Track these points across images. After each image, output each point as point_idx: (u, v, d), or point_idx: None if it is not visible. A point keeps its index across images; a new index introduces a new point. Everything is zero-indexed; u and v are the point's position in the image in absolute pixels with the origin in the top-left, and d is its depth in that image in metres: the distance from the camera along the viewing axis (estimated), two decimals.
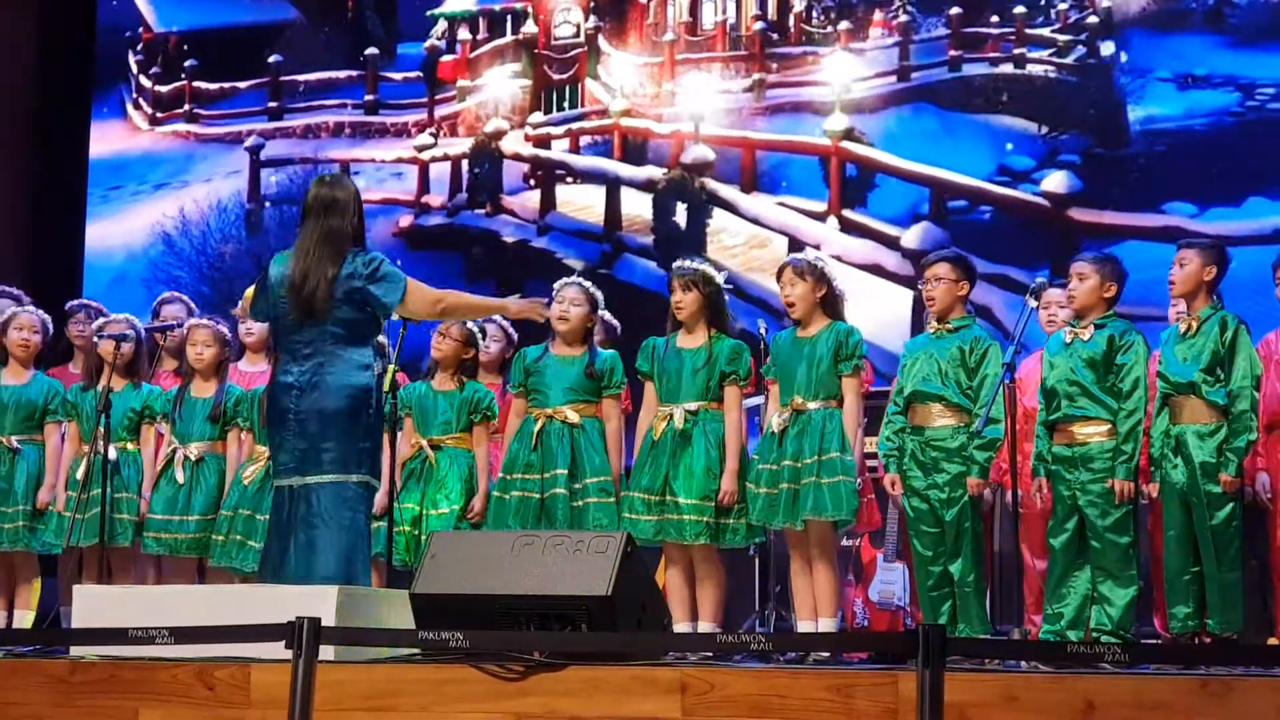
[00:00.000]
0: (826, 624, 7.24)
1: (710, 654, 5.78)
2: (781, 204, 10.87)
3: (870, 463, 7.93)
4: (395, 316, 6.86)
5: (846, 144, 10.83)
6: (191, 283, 11.91)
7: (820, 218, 10.75)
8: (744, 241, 10.95)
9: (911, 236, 10.56)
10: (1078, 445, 7.01)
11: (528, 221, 11.45)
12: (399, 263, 6.81)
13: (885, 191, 10.74)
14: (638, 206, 11.12)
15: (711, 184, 11.02)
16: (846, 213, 10.73)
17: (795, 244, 10.61)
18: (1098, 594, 6.91)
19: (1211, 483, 6.84)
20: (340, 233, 6.62)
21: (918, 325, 8.45)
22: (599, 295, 7.94)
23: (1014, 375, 6.88)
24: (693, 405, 7.48)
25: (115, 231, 12.22)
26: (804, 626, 7.35)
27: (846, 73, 10.93)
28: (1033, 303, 7.04)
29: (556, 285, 7.95)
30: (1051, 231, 10.36)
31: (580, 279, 7.99)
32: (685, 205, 11.00)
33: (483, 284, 11.19)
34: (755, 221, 10.82)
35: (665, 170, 11.12)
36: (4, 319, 8.59)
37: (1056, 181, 10.49)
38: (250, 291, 6.95)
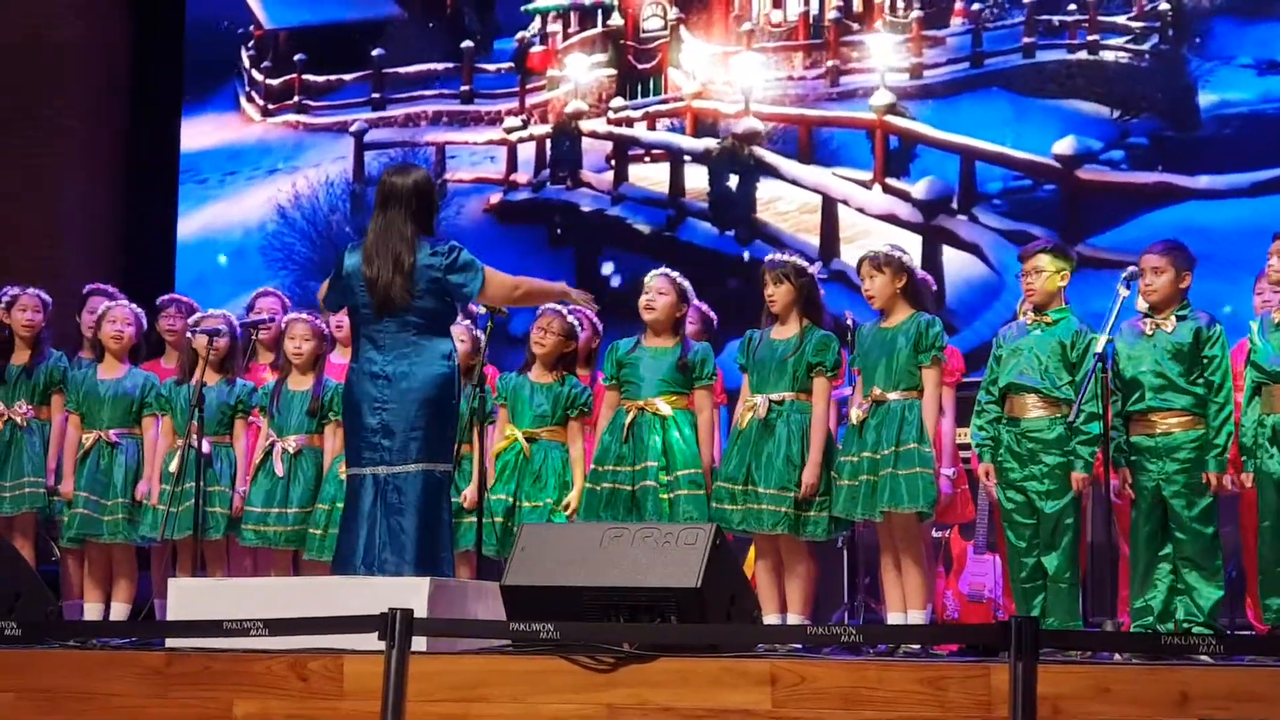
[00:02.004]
0: (916, 616, 7.21)
1: (799, 646, 5.78)
2: (833, 174, 11.68)
3: (963, 454, 7.88)
4: (475, 303, 6.93)
5: (890, 118, 11.48)
6: (304, 251, 12.63)
7: (866, 185, 11.51)
8: (796, 208, 11.67)
9: (920, 188, 11.40)
10: (1160, 435, 6.95)
11: (603, 193, 12.17)
12: (477, 244, 6.96)
13: (924, 162, 11.44)
14: (698, 176, 11.94)
15: (760, 151, 11.77)
16: (890, 180, 11.47)
17: (828, 200, 11.56)
18: (1184, 584, 6.85)
19: None
20: (407, 223, 6.69)
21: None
22: (688, 285, 7.93)
23: (1107, 365, 6.82)
24: (779, 395, 7.47)
25: (234, 211, 12.89)
26: (894, 619, 7.31)
27: (889, 53, 11.64)
28: (1125, 291, 6.96)
29: (647, 277, 7.96)
30: (1067, 193, 11.12)
31: (669, 270, 7.97)
32: (737, 172, 11.80)
33: (564, 250, 12.11)
34: (795, 183, 11.69)
35: (719, 140, 11.84)
36: (98, 315, 8.69)
37: (1066, 144, 11.08)
38: (326, 283, 7.00)
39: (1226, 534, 7.18)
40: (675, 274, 7.93)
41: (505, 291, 6.90)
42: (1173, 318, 7.00)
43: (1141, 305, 7.58)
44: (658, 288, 7.86)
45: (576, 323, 8.20)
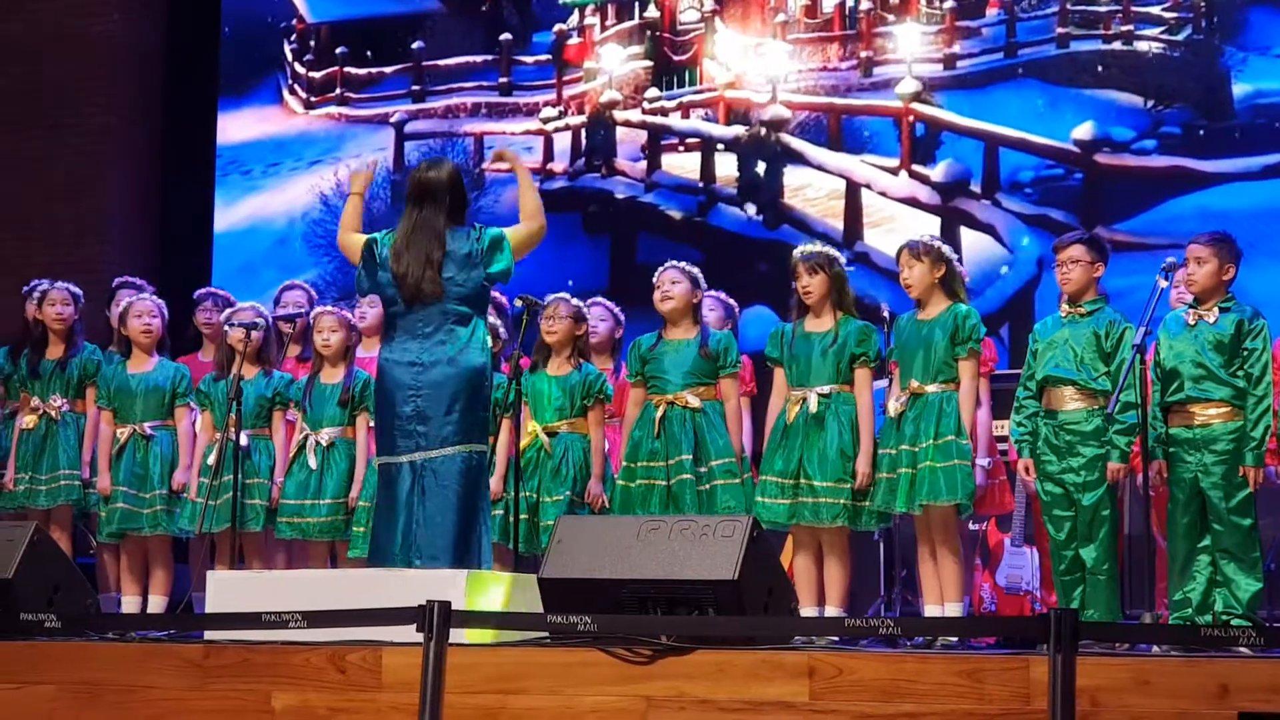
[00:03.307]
0: (953, 609, 7.19)
1: (837, 638, 5.77)
2: (859, 160, 11.77)
3: (1000, 446, 7.86)
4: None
5: (916, 105, 11.56)
6: None
7: (893, 172, 11.58)
8: (825, 194, 11.76)
9: (939, 171, 11.46)
10: (1198, 427, 6.91)
11: (637, 181, 12.28)
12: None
13: (949, 148, 11.50)
14: (728, 164, 12.06)
15: (786, 138, 11.88)
16: (916, 167, 11.54)
17: (852, 185, 11.64)
18: (1222, 576, 6.81)
19: None
20: (439, 217, 6.77)
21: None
22: (698, 273, 7.94)
23: (1145, 357, 6.79)
24: (825, 389, 7.45)
25: (277, 201, 13.05)
26: (930, 611, 7.29)
27: (922, 43, 11.70)
28: (1164, 282, 6.93)
29: (655, 274, 7.97)
30: (1087, 178, 11.16)
31: (677, 261, 7.99)
32: (765, 159, 11.93)
33: (599, 236, 12.23)
34: (820, 168, 11.79)
35: (747, 127, 11.96)
36: (121, 309, 8.70)
37: (1085, 130, 11.12)
38: (354, 243, 6.99)
39: (1266, 526, 7.14)
40: (683, 264, 7.94)
41: (528, 239, 7.00)
42: (1216, 309, 6.97)
43: (1179, 294, 7.56)
44: (670, 278, 7.87)
45: (583, 308, 8.21)
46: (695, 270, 7.94)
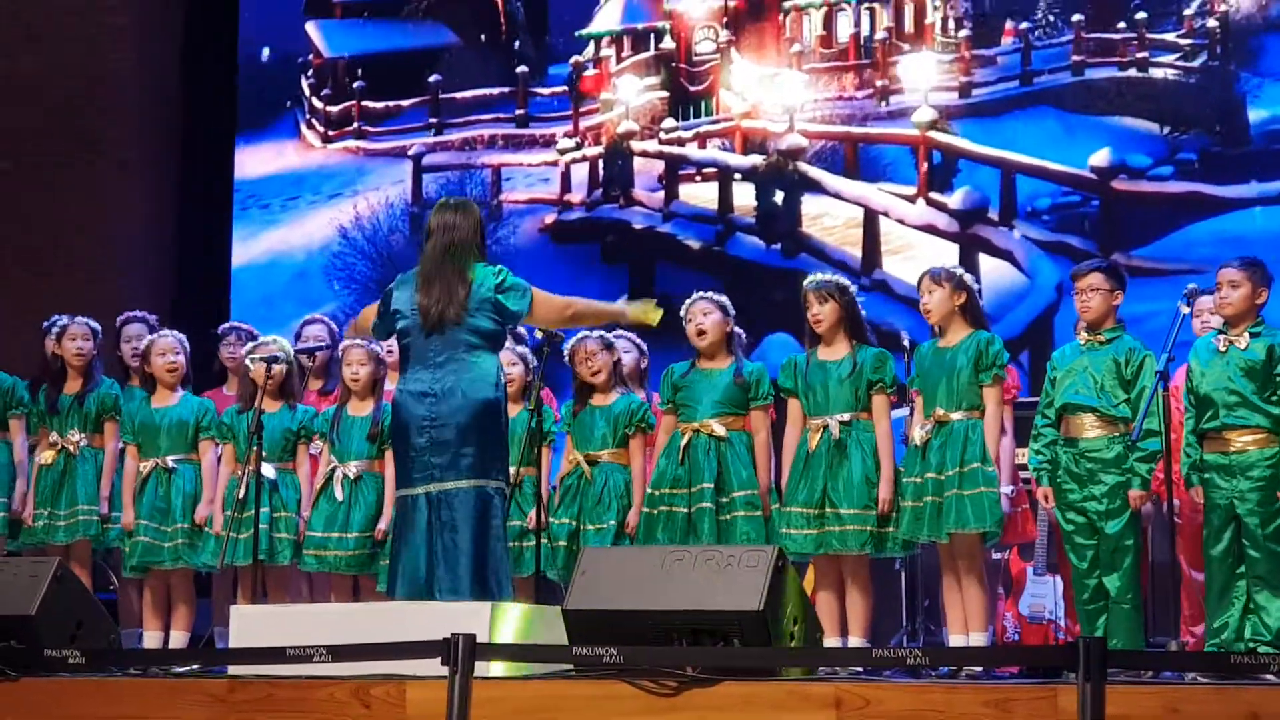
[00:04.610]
0: (978, 638, 7.17)
1: (861, 669, 5.74)
2: (876, 188, 11.87)
3: (1022, 474, 7.84)
4: (526, 324, 7.00)
5: (932, 133, 11.64)
6: (366, 270, 12.95)
7: (910, 200, 11.67)
8: (842, 222, 11.88)
9: (957, 199, 11.56)
10: (1234, 453, 6.89)
11: (654, 210, 12.40)
12: (532, 263, 7.04)
13: (966, 176, 11.59)
14: (745, 193, 12.17)
15: (803, 167, 12.00)
16: (934, 195, 11.63)
17: (869, 213, 11.75)
18: (1254, 603, 6.79)
19: None
20: (461, 253, 6.76)
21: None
22: (726, 301, 7.93)
23: (1169, 384, 6.77)
24: (845, 416, 7.45)
25: (296, 235, 13.18)
26: (955, 641, 7.27)
27: (938, 72, 11.79)
28: (1185, 309, 6.92)
29: (683, 307, 7.94)
30: (1104, 204, 11.27)
31: (705, 292, 7.98)
32: (782, 188, 12.05)
33: (617, 266, 12.33)
34: (837, 196, 11.90)
35: (765, 157, 12.05)
36: (144, 347, 8.71)
37: (1102, 156, 11.21)
38: (370, 310, 7.03)
39: None
40: (710, 293, 7.94)
41: (556, 312, 6.96)
42: (1246, 334, 6.95)
43: (1202, 323, 7.53)
44: (702, 309, 7.86)
45: (610, 338, 8.21)
46: (724, 299, 7.93)
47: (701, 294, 7.96)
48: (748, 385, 7.74)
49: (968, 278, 7.51)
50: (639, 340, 8.55)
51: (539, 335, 7.84)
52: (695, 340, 7.85)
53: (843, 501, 7.35)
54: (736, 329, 8.35)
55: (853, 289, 7.71)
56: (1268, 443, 6.85)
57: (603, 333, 8.18)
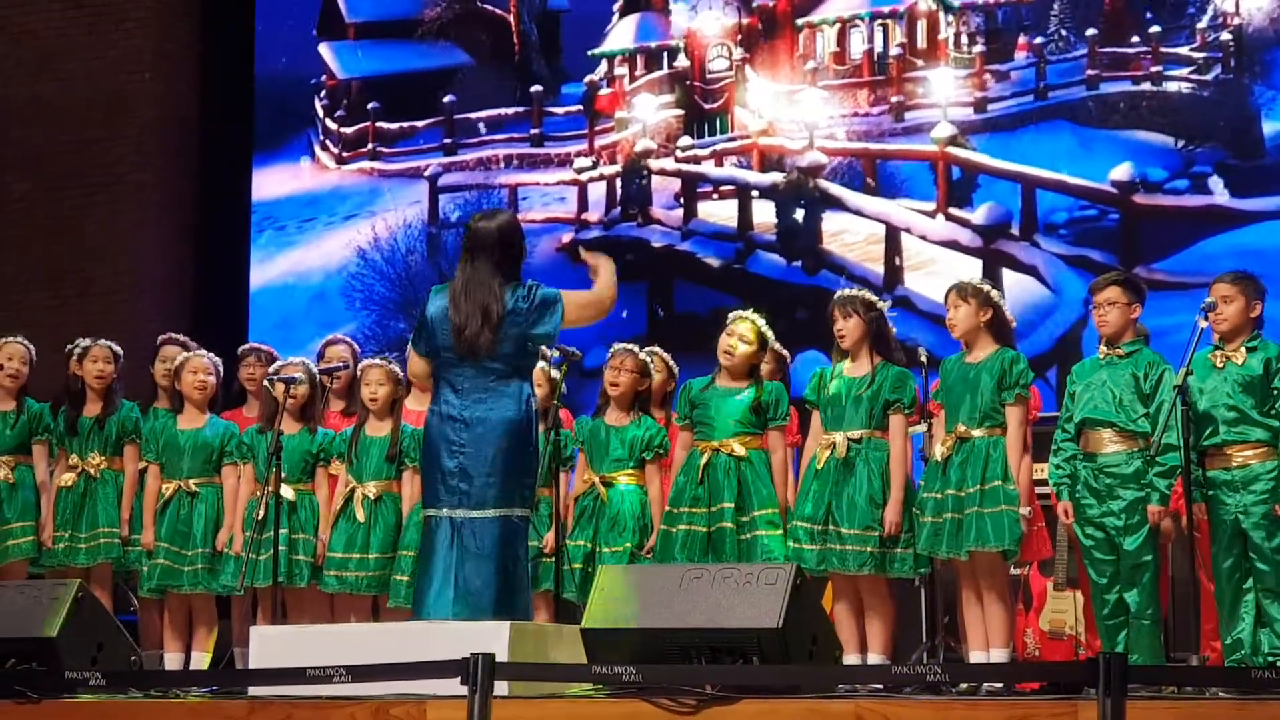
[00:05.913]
0: (999, 654, 7.15)
1: (881, 686, 5.73)
2: (897, 205, 11.85)
3: (1041, 490, 7.82)
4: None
5: (951, 149, 11.63)
6: (384, 290, 12.90)
7: (930, 215, 11.65)
8: (863, 239, 11.85)
9: (979, 214, 11.54)
10: (1236, 468, 6.88)
11: (673, 229, 12.39)
12: (551, 282, 6.96)
13: (986, 191, 11.59)
14: (765, 211, 12.15)
15: (824, 184, 11.98)
16: (954, 210, 11.62)
17: (891, 229, 11.72)
18: (1265, 616, 6.77)
19: None
20: (494, 274, 6.66)
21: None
22: (769, 334, 7.87)
23: (1186, 398, 6.76)
24: (856, 433, 7.43)
25: (313, 256, 13.21)
26: (975, 657, 7.26)
27: (953, 87, 11.79)
28: (1203, 323, 6.90)
29: (731, 316, 7.90)
30: (1125, 219, 11.25)
31: (755, 316, 7.86)
32: (802, 205, 12.03)
33: (636, 284, 12.25)
34: (859, 213, 11.87)
35: (784, 174, 12.04)
36: (177, 364, 8.72)
37: (1123, 171, 11.19)
38: (410, 353, 6.96)
39: None
40: (761, 321, 7.84)
41: (592, 310, 6.84)
42: (1243, 349, 6.94)
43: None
44: (741, 335, 7.77)
45: (649, 360, 8.19)
46: (768, 331, 7.85)
47: (753, 317, 7.84)
48: (766, 407, 7.73)
49: (995, 294, 7.48)
50: (670, 361, 8.52)
51: (556, 354, 7.83)
52: (721, 357, 7.82)
53: (844, 521, 7.33)
54: (784, 351, 8.32)
55: (881, 305, 7.67)
56: (1269, 456, 6.84)
57: (645, 358, 8.15)
